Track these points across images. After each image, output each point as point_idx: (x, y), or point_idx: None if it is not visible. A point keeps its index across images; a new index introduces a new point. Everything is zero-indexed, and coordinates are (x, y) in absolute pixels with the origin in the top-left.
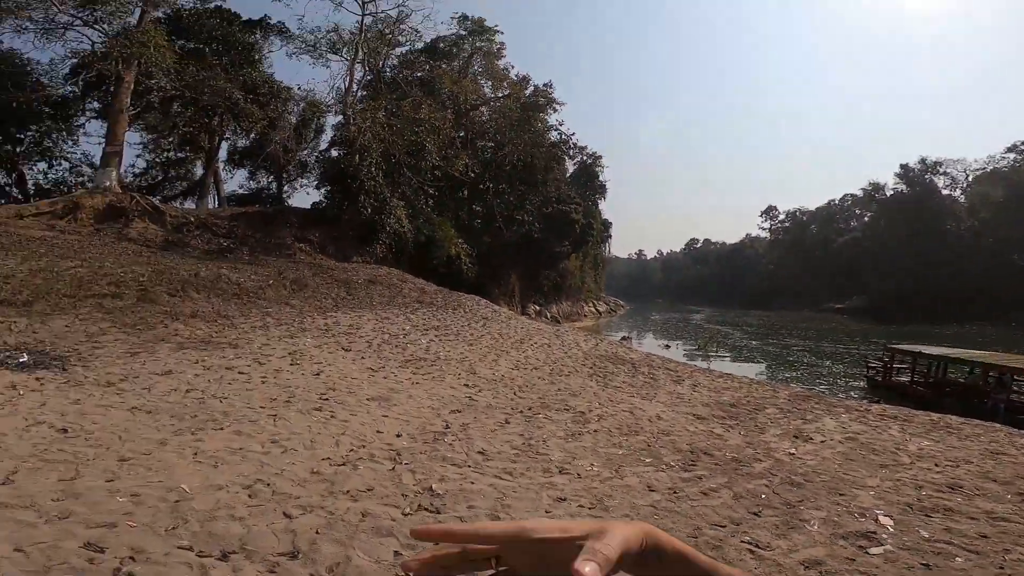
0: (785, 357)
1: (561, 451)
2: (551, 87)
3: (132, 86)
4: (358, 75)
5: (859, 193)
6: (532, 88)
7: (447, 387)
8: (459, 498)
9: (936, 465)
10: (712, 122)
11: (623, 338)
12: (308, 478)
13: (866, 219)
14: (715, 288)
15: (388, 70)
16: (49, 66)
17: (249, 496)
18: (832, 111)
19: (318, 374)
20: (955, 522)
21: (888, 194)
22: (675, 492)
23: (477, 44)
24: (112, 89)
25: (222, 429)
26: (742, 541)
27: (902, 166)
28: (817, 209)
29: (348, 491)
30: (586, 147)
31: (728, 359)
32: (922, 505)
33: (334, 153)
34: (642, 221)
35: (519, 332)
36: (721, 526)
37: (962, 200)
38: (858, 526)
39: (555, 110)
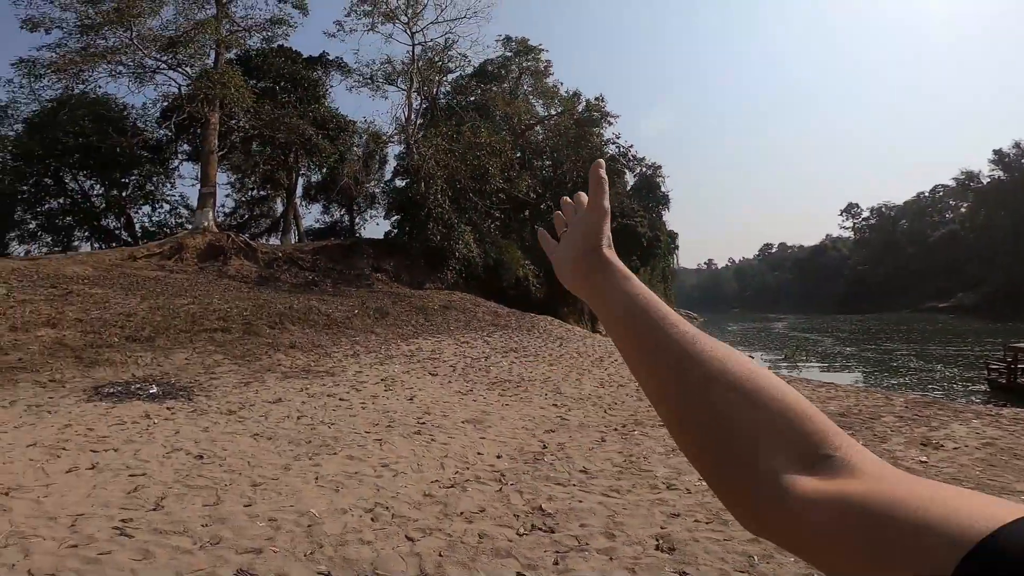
0: (887, 363)
1: (664, 467)
2: (603, 100)
3: (217, 127)
4: (415, 104)
5: (951, 183)
6: (584, 103)
7: (536, 408)
8: (570, 517)
9: None
10: (774, 123)
11: None
12: (422, 500)
13: (963, 210)
14: (796, 294)
15: (442, 97)
16: (142, 110)
17: (372, 520)
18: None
19: (412, 399)
20: None
21: (984, 182)
22: None
23: (524, 64)
24: (200, 131)
25: (335, 454)
26: None
27: (995, 151)
28: (906, 203)
29: (462, 513)
30: (644, 158)
31: (820, 368)
32: None
33: (398, 182)
34: (711, 230)
35: (597, 350)
36: None
37: None
38: None
39: (610, 123)
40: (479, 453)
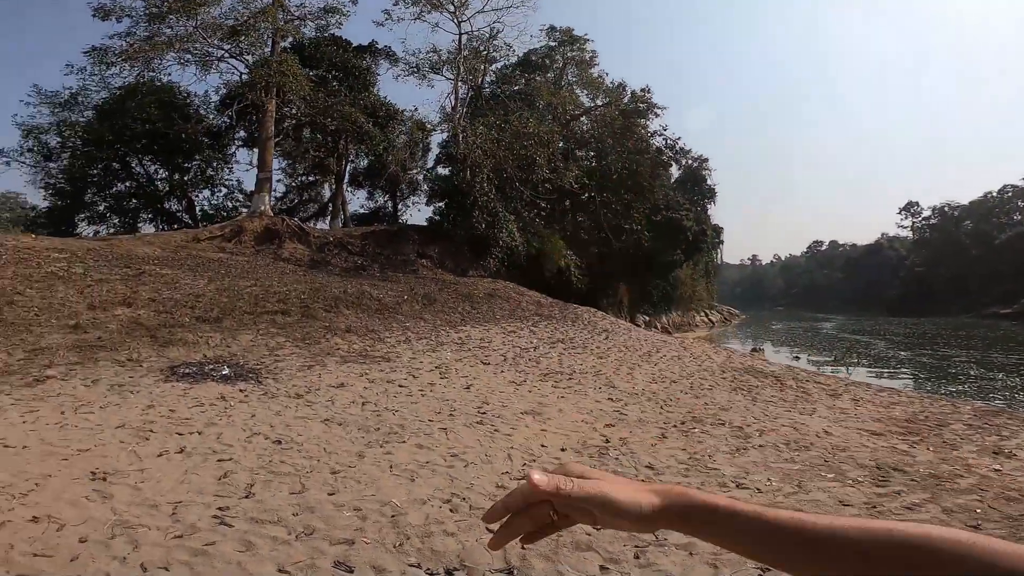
0: (945, 369)
1: (731, 466)
2: (649, 91)
3: (274, 114)
4: (461, 93)
5: (1021, 184)
6: (629, 94)
7: (592, 401)
8: None
9: None
10: (824, 119)
11: (754, 350)
12: (496, 492)
13: None
14: (846, 294)
15: (487, 86)
16: (204, 98)
17: (451, 511)
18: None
19: (468, 387)
20: None
21: None
22: (874, 507)
23: (568, 54)
24: (257, 118)
25: (404, 442)
26: None
27: None
28: (971, 203)
29: None
30: (691, 151)
31: (872, 372)
32: None
33: (440, 170)
34: (755, 225)
35: (644, 345)
36: None
37: None
38: None
39: (656, 114)
40: (543, 445)
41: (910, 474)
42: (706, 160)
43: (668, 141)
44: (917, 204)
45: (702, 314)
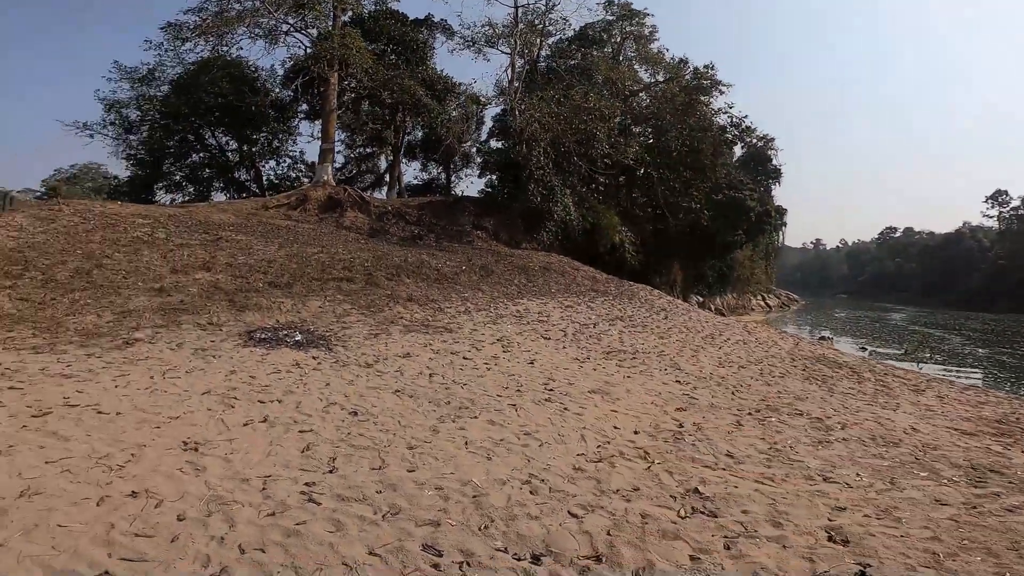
0: None
1: (815, 458)
2: (713, 68)
3: (336, 87)
4: (517, 67)
5: None
6: (691, 70)
7: (659, 383)
8: (729, 502)
9: None
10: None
11: (822, 338)
12: (574, 475)
13: None
14: (918, 285)
15: (542, 60)
16: (270, 71)
17: (531, 493)
18: None
19: (532, 363)
20: None
21: None
22: (973, 508)
23: (627, 29)
24: (320, 91)
25: (476, 417)
26: None
27: None
28: None
29: (617, 490)
30: (756, 129)
31: (946, 369)
32: None
33: (493, 143)
34: (820, 208)
35: (705, 326)
36: None
37: None
38: None
39: (721, 92)
40: (616, 427)
41: (1008, 476)
42: (772, 140)
43: (733, 119)
44: (1006, 193)
45: (759, 297)
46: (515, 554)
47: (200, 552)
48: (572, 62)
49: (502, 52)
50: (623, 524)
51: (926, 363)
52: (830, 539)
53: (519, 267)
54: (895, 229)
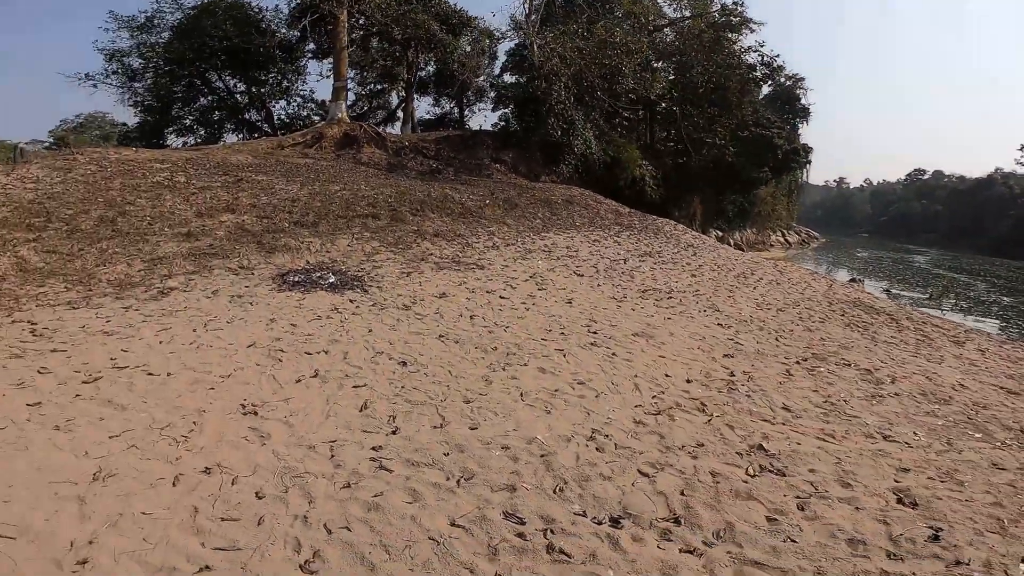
0: None
1: (871, 414)
2: (742, 4)
3: (346, 24)
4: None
5: None
6: (719, 7)
7: (700, 325)
8: (795, 459)
9: None
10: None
11: (852, 280)
12: (636, 429)
13: None
14: (944, 228)
15: None
16: (275, 12)
17: (597, 450)
18: None
19: (570, 302)
20: None
21: None
22: None
23: None
24: (327, 30)
25: (526, 365)
26: None
27: None
28: None
29: (683, 446)
30: (784, 67)
31: (972, 317)
32: None
33: (507, 77)
34: (845, 146)
35: (736, 265)
36: None
37: None
38: None
39: (751, 30)
40: (667, 375)
41: None
42: (802, 79)
43: (764, 58)
44: None
45: (778, 233)
46: (594, 518)
47: (288, 535)
48: None
49: None
50: (695, 484)
51: (951, 311)
52: (899, 501)
53: (542, 200)
54: (923, 171)
